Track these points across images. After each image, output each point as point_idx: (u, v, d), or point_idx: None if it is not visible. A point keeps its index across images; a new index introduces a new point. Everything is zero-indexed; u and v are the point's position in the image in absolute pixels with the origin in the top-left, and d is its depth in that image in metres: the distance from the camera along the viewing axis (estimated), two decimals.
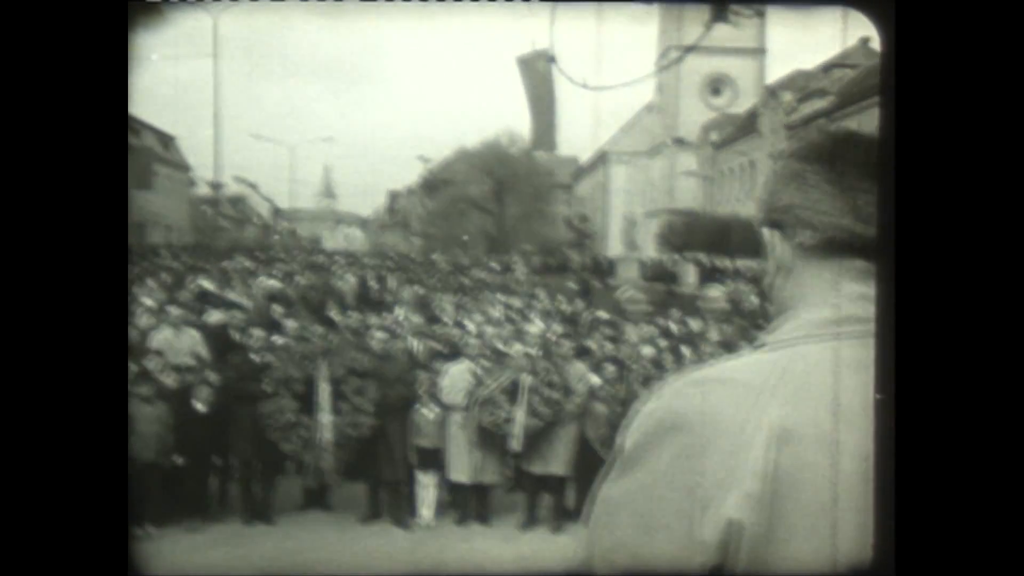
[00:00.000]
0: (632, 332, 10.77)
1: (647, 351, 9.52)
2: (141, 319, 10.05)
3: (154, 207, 21.72)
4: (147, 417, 8.12)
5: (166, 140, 22.22)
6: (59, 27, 3.44)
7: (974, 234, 1.61)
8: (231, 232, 24.07)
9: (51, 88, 3.48)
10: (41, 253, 3.58)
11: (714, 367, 1.35)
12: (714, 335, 11.04)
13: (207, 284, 13.10)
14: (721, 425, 1.24)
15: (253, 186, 25.20)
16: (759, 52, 24.95)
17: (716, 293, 12.69)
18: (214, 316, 9.97)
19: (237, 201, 24.90)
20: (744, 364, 1.33)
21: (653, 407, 1.31)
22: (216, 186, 21.54)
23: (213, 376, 8.53)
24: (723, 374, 1.31)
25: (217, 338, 9.43)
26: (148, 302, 10.73)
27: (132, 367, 8.35)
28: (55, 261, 3.60)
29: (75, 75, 3.47)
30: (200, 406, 8.36)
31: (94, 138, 3.58)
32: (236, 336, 9.45)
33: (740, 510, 1.19)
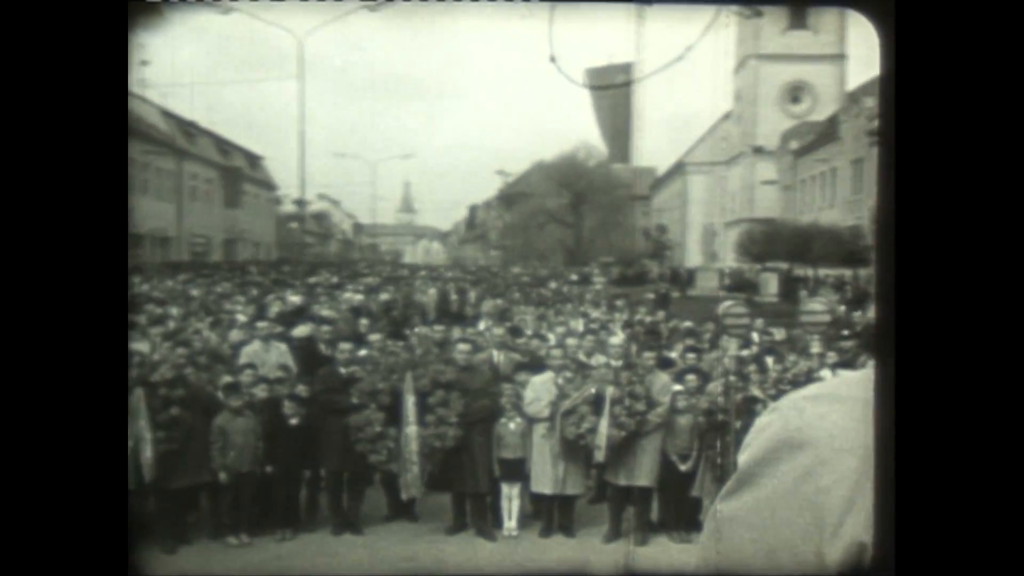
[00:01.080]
0: (732, 346, 10.68)
1: (729, 362, 9.45)
2: (232, 333, 10.37)
3: (243, 224, 22.39)
4: (239, 428, 8.35)
5: (254, 160, 22.87)
6: (59, 27, 3.39)
7: (976, 234, 1.60)
8: (315, 247, 24.59)
9: (50, 88, 3.45)
10: (38, 259, 3.57)
11: (832, 382, 1.33)
12: (816, 347, 10.87)
13: (295, 299, 13.43)
14: (843, 443, 1.21)
15: (336, 203, 25.71)
16: (839, 58, 24.52)
17: (819, 307, 12.41)
18: (301, 330, 10.21)
19: (321, 217, 25.44)
20: (862, 379, 1.31)
21: (769, 422, 1.28)
22: (301, 203, 22.08)
23: (302, 388, 8.74)
24: (842, 390, 1.29)
25: (305, 351, 9.65)
26: (240, 317, 11.08)
27: (226, 379, 8.61)
28: (53, 267, 3.59)
29: (75, 75, 3.44)
30: (291, 418, 8.57)
31: (94, 139, 3.56)
32: (324, 349, 9.66)
33: (867, 532, 1.17)
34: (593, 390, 8.63)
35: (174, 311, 11.90)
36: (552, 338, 10.91)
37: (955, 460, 1.46)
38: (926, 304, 1.50)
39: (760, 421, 1.29)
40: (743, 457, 1.28)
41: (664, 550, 8.45)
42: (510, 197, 27.49)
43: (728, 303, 14.45)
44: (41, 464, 3.88)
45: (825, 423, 1.23)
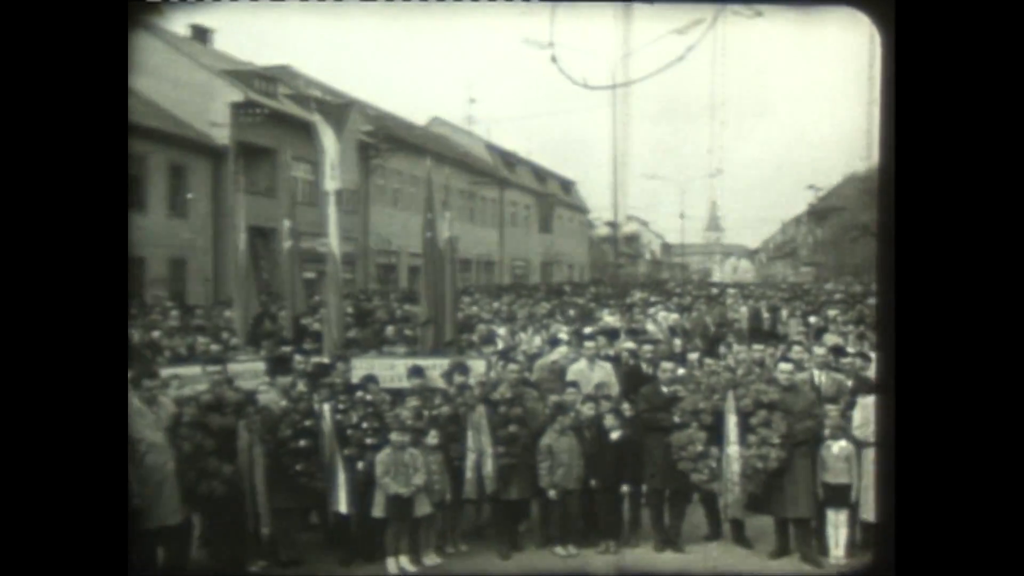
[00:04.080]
0: None
1: None
2: (555, 352, 10.86)
3: (557, 248, 23.42)
4: (565, 447, 8.76)
5: (568, 185, 23.87)
6: (59, 27, 3.45)
7: (974, 231, 1.51)
8: (626, 268, 25.12)
9: (51, 87, 3.53)
10: (38, 252, 3.68)
11: None
12: None
13: (611, 319, 13.82)
14: None
15: (645, 223, 26.12)
16: None
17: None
18: (623, 348, 10.51)
19: (631, 239, 25.95)
20: None
21: None
22: (613, 225, 22.72)
23: (625, 406, 9.03)
24: None
25: (627, 370, 9.94)
26: (563, 335, 11.60)
27: (553, 398, 9.07)
28: (53, 262, 3.69)
29: (75, 75, 3.50)
30: (613, 435, 8.86)
31: (94, 136, 3.61)
32: (646, 368, 9.90)
33: None
34: None
35: (501, 331, 12.67)
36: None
37: (954, 462, 1.38)
38: (927, 305, 1.43)
39: None
40: None
41: None
42: (821, 212, 26.53)
43: None
44: (42, 466, 4.12)
45: None
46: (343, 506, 8.34)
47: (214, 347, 10.71)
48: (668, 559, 8.67)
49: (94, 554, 4.16)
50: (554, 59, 11.20)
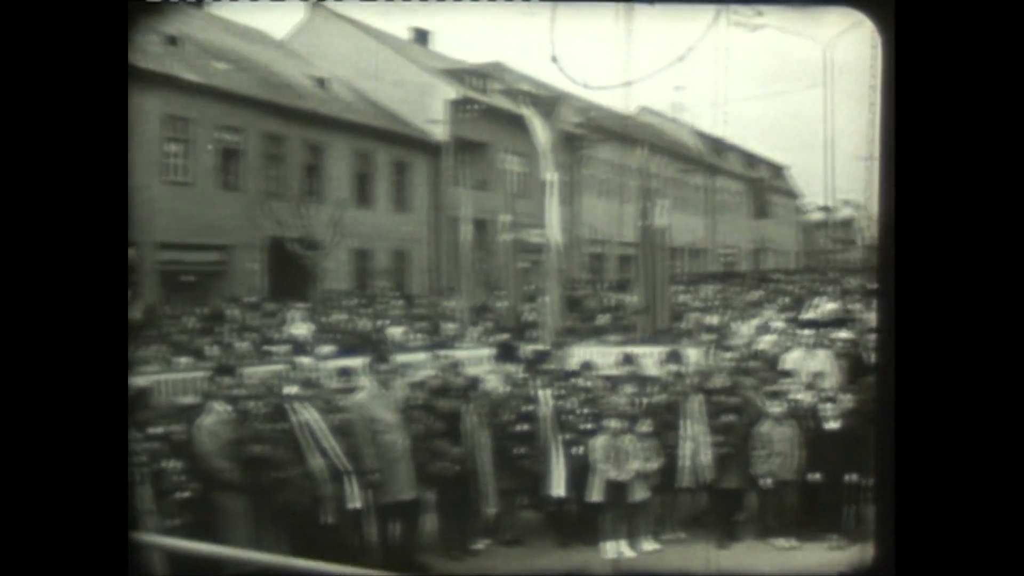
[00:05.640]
0: None
1: None
2: (766, 339, 10.73)
3: (768, 234, 22.90)
4: (782, 436, 8.64)
5: (778, 170, 23.26)
6: (60, 26, 3.37)
7: (973, 231, 1.42)
8: (840, 254, 24.20)
9: (51, 86, 3.44)
10: (40, 248, 3.60)
11: None
12: None
13: (831, 306, 13.42)
14: None
15: (858, 207, 25.00)
16: None
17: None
18: (840, 337, 10.26)
19: (845, 224, 24.92)
20: None
21: None
22: (827, 210, 21.97)
23: (847, 397, 8.80)
24: None
25: (849, 359, 9.69)
26: (777, 324, 11.45)
27: (770, 387, 8.97)
28: (53, 258, 3.62)
29: (75, 74, 3.41)
30: (831, 425, 8.68)
31: (94, 136, 3.52)
32: (868, 357, 9.63)
33: None
34: None
35: (712, 319, 12.61)
36: None
37: (955, 461, 1.30)
38: (927, 304, 1.36)
39: None
40: None
41: None
42: None
43: None
44: (44, 466, 4.05)
45: None
46: (559, 489, 8.60)
47: (438, 335, 11.30)
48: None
49: (95, 553, 4.12)
50: (554, 59, 11.14)
